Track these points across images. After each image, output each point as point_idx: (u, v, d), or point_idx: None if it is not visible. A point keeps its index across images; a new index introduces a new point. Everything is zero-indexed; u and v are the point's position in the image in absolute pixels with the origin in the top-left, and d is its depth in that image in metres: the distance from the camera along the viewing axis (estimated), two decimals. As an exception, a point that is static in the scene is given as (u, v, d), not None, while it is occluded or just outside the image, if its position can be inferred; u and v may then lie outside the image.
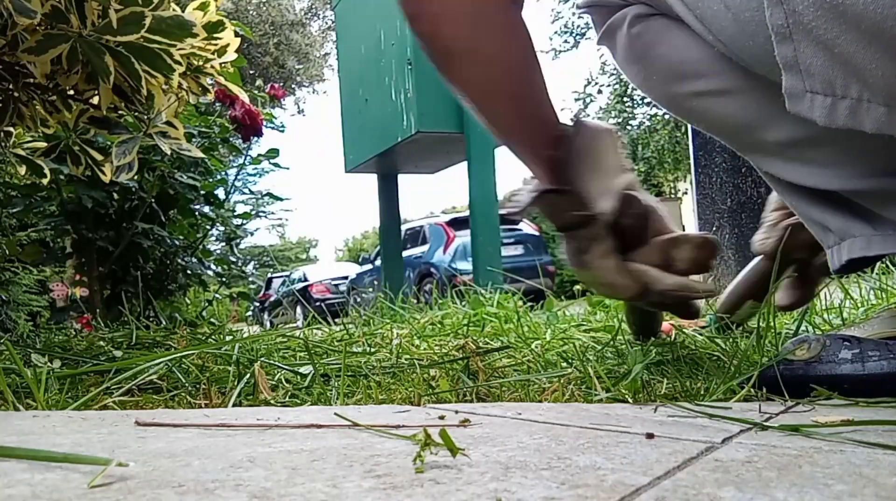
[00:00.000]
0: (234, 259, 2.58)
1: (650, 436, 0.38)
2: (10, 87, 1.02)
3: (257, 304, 9.46)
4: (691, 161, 1.82)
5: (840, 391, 0.55)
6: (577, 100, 14.34)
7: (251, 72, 14.88)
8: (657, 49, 0.69)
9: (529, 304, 1.87)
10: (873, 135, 0.58)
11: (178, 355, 0.74)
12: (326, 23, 16.86)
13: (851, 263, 0.66)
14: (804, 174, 0.66)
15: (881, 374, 0.56)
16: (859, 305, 1.19)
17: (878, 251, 0.65)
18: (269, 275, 12.21)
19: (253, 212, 2.76)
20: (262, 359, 0.79)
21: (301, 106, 18.23)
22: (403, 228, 6.86)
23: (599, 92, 14.15)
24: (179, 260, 2.29)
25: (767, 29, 0.53)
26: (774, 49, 0.52)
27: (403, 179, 4.46)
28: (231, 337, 1.17)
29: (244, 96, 1.52)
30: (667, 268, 0.73)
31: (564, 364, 0.79)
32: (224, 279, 2.72)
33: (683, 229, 0.80)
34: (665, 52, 0.69)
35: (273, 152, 2.44)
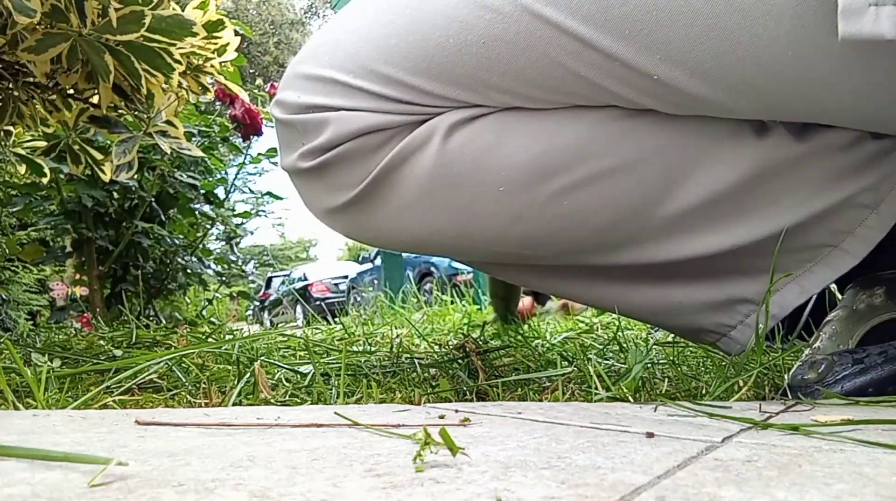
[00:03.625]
0: (234, 258, 2.58)
1: (650, 435, 0.38)
2: (10, 86, 1.02)
3: (257, 303, 9.45)
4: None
5: (866, 394, 0.56)
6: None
7: (251, 71, 14.87)
8: (503, 151, 0.55)
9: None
10: (803, 165, 0.57)
11: (178, 354, 0.74)
12: (326, 21, 16.86)
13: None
14: (708, 241, 0.59)
15: None
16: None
17: (815, 290, 0.62)
18: (269, 274, 12.20)
19: (253, 211, 2.76)
20: (262, 358, 0.79)
21: (301, 105, 18.17)
22: (403, 227, 6.80)
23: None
24: (179, 259, 2.29)
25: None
26: None
27: (403, 179, 4.45)
28: (231, 336, 1.17)
29: (244, 95, 1.52)
30: None
31: (565, 363, 0.79)
32: (224, 278, 2.72)
33: None
34: (517, 150, 0.55)
35: (273, 152, 2.44)
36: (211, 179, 2.39)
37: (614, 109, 0.55)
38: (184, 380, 0.72)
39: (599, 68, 0.50)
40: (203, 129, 2.13)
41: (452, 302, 2.36)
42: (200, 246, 2.41)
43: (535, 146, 0.54)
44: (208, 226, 2.43)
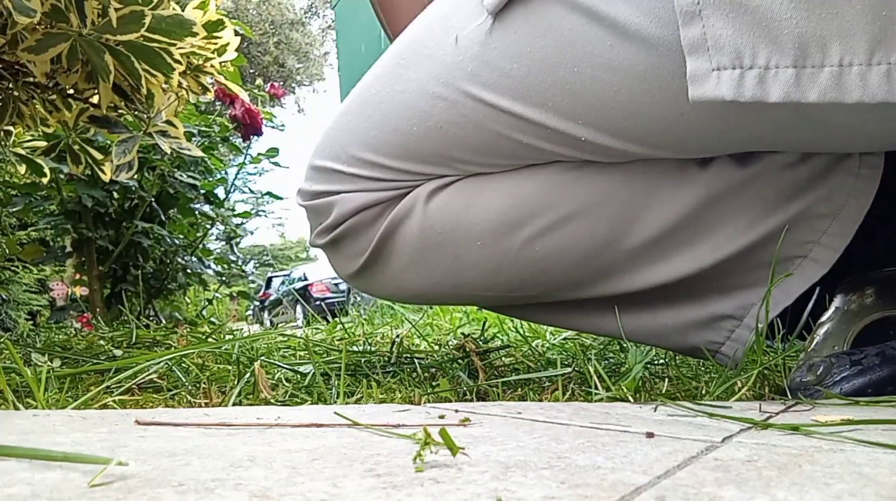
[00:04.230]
0: (233, 258, 2.59)
1: (650, 435, 0.38)
2: (10, 86, 1.02)
3: (257, 303, 9.46)
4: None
5: (865, 396, 0.56)
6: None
7: (251, 71, 14.88)
8: (474, 210, 0.63)
9: None
10: (758, 175, 0.59)
11: (179, 354, 0.74)
12: (326, 21, 16.87)
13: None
14: (675, 266, 0.63)
15: None
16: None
17: (788, 301, 0.63)
18: (269, 274, 12.21)
19: (253, 211, 2.77)
20: (262, 358, 0.79)
21: (301, 105, 18.23)
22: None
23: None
24: (179, 259, 2.29)
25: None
26: (680, 35, 0.49)
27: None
28: (231, 336, 1.17)
29: (244, 95, 1.52)
30: None
31: (565, 363, 0.79)
32: (224, 278, 2.73)
33: None
34: (486, 208, 0.62)
35: (273, 151, 2.44)
36: (211, 179, 2.39)
37: (562, 163, 0.61)
38: (184, 380, 0.72)
39: (536, 135, 0.58)
40: (203, 129, 2.13)
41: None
42: (200, 246, 2.41)
43: (499, 204, 0.62)
44: (208, 226, 2.43)
